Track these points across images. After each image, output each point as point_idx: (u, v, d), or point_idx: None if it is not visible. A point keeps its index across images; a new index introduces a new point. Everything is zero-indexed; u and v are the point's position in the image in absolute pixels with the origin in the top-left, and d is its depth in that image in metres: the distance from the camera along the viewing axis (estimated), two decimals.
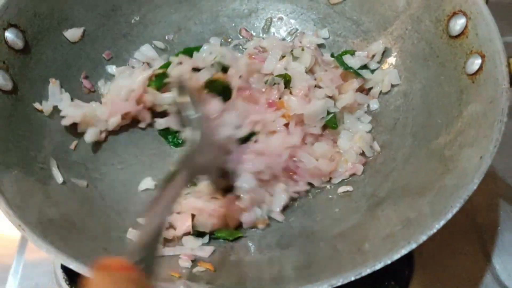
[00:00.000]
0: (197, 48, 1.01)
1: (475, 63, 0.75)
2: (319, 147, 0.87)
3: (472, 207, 0.90)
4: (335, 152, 0.88)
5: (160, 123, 0.94)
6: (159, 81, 0.94)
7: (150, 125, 0.96)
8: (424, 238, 0.60)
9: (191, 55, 0.99)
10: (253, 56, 0.95)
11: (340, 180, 0.87)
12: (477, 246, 0.87)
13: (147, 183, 0.87)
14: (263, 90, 0.91)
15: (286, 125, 0.86)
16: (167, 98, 0.93)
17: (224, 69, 0.94)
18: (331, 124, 0.87)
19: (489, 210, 0.91)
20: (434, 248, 0.84)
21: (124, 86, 0.91)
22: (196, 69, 0.95)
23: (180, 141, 0.94)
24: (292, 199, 0.85)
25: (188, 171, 0.69)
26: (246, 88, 0.91)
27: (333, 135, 0.89)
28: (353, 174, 0.87)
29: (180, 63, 0.95)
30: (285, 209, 0.84)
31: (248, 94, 0.90)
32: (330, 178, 0.87)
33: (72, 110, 0.87)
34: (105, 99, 0.92)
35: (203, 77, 0.93)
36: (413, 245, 0.59)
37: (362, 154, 0.88)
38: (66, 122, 0.86)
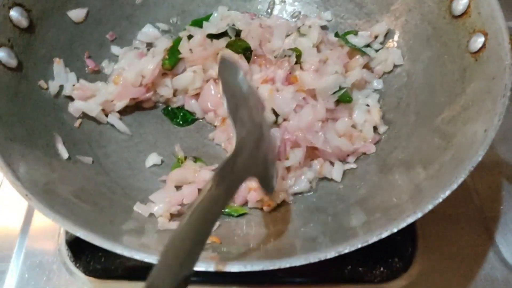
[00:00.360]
0: (206, 18, 1.02)
1: (478, 41, 0.75)
2: (341, 124, 0.86)
3: (476, 187, 0.91)
4: (353, 129, 0.88)
5: (174, 101, 0.96)
6: (173, 59, 0.94)
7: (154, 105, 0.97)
8: (430, 207, 0.60)
9: (200, 26, 0.99)
10: (262, 26, 0.95)
11: (355, 159, 0.87)
12: (480, 225, 0.87)
13: (154, 158, 0.88)
14: (275, 62, 0.91)
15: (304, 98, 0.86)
16: (181, 79, 0.93)
17: (238, 34, 0.95)
18: (346, 98, 0.87)
19: (492, 191, 0.92)
20: (438, 227, 0.85)
21: (136, 71, 0.91)
22: (211, 36, 0.95)
23: (183, 121, 0.95)
24: None
25: (231, 179, 0.58)
26: (262, 56, 0.92)
27: (348, 109, 0.89)
28: (363, 153, 0.87)
29: (191, 36, 0.96)
30: None
31: (263, 62, 0.92)
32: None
33: (84, 104, 0.88)
34: (116, 80, 0.92)
35: (222, 44, 0.93)
36: (419, 214, 0.60)
37: (375, 131, 0.89)
38: (76, 113, 0.88)
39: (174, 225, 0.75)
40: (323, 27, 1.00)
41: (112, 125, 0.91)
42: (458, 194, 0.89)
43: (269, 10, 1.06)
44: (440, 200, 0.61)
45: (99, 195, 0.76)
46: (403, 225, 0.59)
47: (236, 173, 0.59)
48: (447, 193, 0.61)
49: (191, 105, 0.94)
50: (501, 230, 0.87)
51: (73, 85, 0.89)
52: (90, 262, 0.81)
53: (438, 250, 0.84)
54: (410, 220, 0.59)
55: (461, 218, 0.88)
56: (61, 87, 0.88)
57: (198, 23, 1.00)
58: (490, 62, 0.73)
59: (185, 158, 0.88)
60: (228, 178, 0.57)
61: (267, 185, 0.68)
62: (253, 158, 0.64)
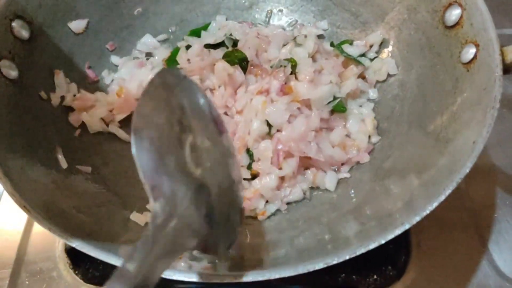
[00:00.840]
0: (204, 27, 1.05)
1: (469, 52, 0.76)
2: (336, 135, 0.88)
3: (470, 196, 0.92)
4: (347, 138, 0.90)
5: None
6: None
7: None
8: (417, 219, 0.62)
9: (199, 36, 1.02)
10: (259, 36, 0.97)
11: (349, 169, 0.89)
12: (474, 233, 0.88)
13: None
14: (270, 72, 0.92)
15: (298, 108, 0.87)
16: None
17: (235, 44, 0.97)
18: (340, 107, 0.88)
19: (486, 199, 0.93)
20: (432, 234, 0.87)
21: (137, 83, 0.94)
22: (208, 46, 0.97)
23: None
24: None
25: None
26: (258, 65, 0.94)
27: (342, 119, 0.91)
28: (357, 163, 0.89)
29: (189, 46, 0.98)
30: None
31: (259, 72, 0.93)
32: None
33: (84, 115, 0.91)
34: (119, 92, 0.94)
35: (219, 54, 0.95)
36: (406, 226, 0.61)
37: (368, 140, 0.90)
38: (76, 123, 0.90)
39: None
40: (320, 36, 1.02)
41: (111, 135, 0.93)
42: (452, 201, 0.90)
43: (266, 19, 1.08)
44: (428, 211, 0.62)
45: (97, 205, 0.77)
46: (390, 236, 0.60)
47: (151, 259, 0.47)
48: (435, 204, 0.62)
49: None
50: (494, 238, 0.88)
51: (74, 95, 0.91)
52: (88, 269, 0.84)
53: (431, 258, 0.85)
54: (398, 231, 0.61)
55: (455, 225, 0.89)
56: (62, 97, 0.90)
57: (196, 33, 1.03)
58: (481, 73, 0.73)
59: None
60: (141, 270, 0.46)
61: (219, 252, 0.58)
62: (184, 229, 0.50)
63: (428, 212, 0.62)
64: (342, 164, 0.88)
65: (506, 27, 1.19)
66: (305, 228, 0.79)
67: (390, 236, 0.61)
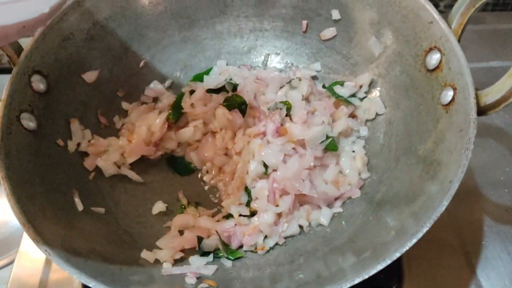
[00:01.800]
0: (206, 72, 1.11)
1: (448, 94, 0.82)
2: (330, 172, 0.94)
3: (458, 224, 0.97)
4: (340, 174, 0.95)
5: (178, 151, 1.04)
6: (176, 114, 1.03)
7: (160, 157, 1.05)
8: (397, 255, 0.67)
9: (201, 80, 1.09)
10: (257, 79, 1.04)
11: (341, 203, 0.94)
12: (462, 259, 0.93)
13: (159, 206, 0.96)
14: (267, 114, 0.99)
15: (293, 149, 0.93)
16: (184, 134, 1.02)
17: (235, 88, 1.04)
18: (332, 147, 0.94)
19: (474, 226, 0.98)
20: (422, 262, 0.92)
21: (146, 127, 1.00)
22: (210, 90, 1.04)
23: (184, 171, 1.03)
24: None
25: None
26: (256, 108, 1.01)
27: (335, 156, 0.96)
28: (349, 198, 0.94)
29: (193, 90, 1.05)
30: None
31: (257, 115, 1.00)
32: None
33: (98, 160, 0.97)
34: (130, 138, 1.01)
35: (220, 99, 1.02)
36: (388, 261, 0.66)
37: (359, 176, 0.95)
38: (90, 167, 0.96)
39: (177, 270, 0.83)
40: (313, 77, 1.08)
41: (122, 176, 0.99)
42: (443, 229, 0.96)
43: (264, 62, 1.15)
44: (407, 248, 0.67)
45: (110, 245, 0.83)
46: (373, 272, 0.66)
47: None
48: (414, 241, 0.67)
49: (191, 156, 1.02)
50: (482, 265, 0.92)
51: (89, 141, 0.97)
52: None
53: (423, 285, 0.89)
54: (380, 267, 0.66)
55: (445, 252, 0.94)
56: (78, 144, 0.95)
57: (199, 78, 1.09)
58: (458, 115, 0.79)
59: (188, 203, 0.97)
60: None
61: None
62: None
63: (407, 248, 0.67)
64: (336, 199, 0.93)
65: (492, 60, 1.25)
66: (302, 262, 0.84)
67: (373, 271, 0.65)
